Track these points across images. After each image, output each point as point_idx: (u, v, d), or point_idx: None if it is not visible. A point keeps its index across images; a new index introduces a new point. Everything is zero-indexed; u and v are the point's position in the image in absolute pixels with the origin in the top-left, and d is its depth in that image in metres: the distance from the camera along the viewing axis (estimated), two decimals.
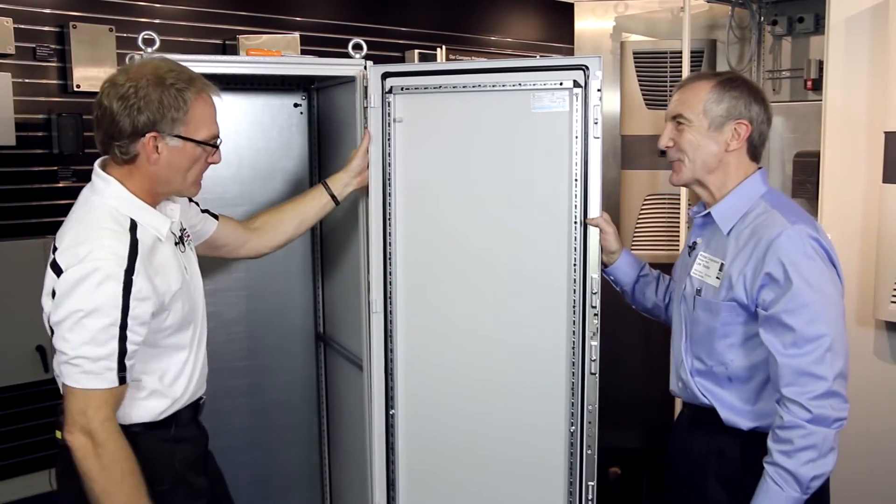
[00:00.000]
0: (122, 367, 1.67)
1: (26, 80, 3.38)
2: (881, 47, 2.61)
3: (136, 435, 1.78)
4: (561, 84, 2.16)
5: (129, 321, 1.66)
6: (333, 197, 2.38)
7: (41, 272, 1.71)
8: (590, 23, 4.17)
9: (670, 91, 3.52)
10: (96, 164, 1.79)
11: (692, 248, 1.98)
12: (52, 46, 3.44)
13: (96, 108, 1.73)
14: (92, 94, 3.66)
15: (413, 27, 4.66)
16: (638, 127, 3.71)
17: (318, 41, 4.16)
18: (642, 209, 3.64)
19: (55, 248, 1.72)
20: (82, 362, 1.64)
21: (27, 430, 3.41)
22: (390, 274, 2.40)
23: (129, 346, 1.68)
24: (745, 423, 1.85)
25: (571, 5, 4.66)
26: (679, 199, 3.21)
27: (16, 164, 3.36)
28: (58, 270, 1.66)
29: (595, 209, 2.18)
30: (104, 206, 1.74)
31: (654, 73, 3.61)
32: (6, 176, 3.35)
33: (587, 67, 2.13)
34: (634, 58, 3.75)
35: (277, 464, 3.06)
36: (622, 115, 3.82)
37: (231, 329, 2.95)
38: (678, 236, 3.35)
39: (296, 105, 2.96)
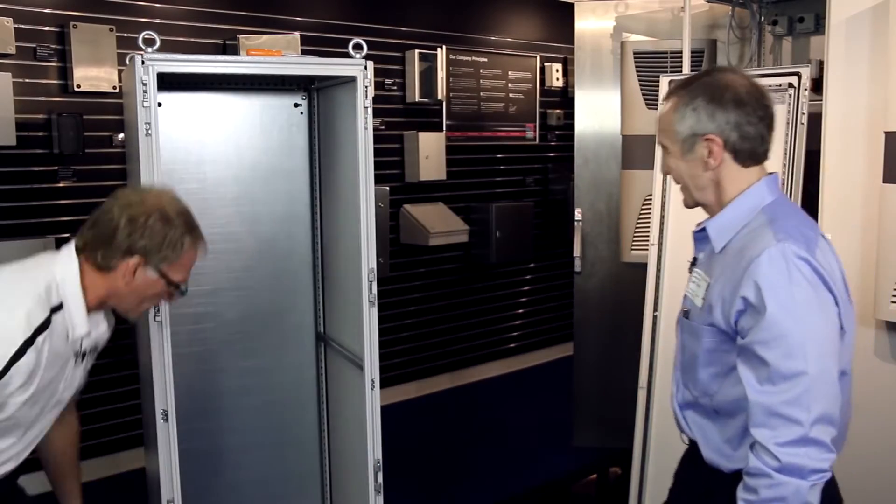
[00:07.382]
0: None
1: (27, 80, 3.38)
2: (881, 47, 2.61)
3: None
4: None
5: None
6: None
7: None
8: (590, 23, 4.17)
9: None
10: (74, 241, 1.83)
11: (693, 264, 1.79)
12: (53, 46, 3.44)
13: (103, 213, 1.81)
14: (92, 94, 3.66)
15: (413, 27, 4.66)
16: (638, 127, 3.70)
17: (318, 41, 4.16)
18: (642, 209, 3.63)
19: None
20: None
21: None
22: None
23: None
24: (726, 465, 1.67)
25: (571, 5, 4.65)
26: None
27: (16, 164, 3.36)
28: None
29: None
30: (51, 275, 1.77)
31: (655, 73, 3.61)
32: (6, 176, 3.35)
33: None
34: (635, 58, 3.75)
35: (278, 463, 3.06)
36: (622, 116, 3.80)
37: (231, 329, 2.95)
38: None
39: (296, 105, 2.95)
